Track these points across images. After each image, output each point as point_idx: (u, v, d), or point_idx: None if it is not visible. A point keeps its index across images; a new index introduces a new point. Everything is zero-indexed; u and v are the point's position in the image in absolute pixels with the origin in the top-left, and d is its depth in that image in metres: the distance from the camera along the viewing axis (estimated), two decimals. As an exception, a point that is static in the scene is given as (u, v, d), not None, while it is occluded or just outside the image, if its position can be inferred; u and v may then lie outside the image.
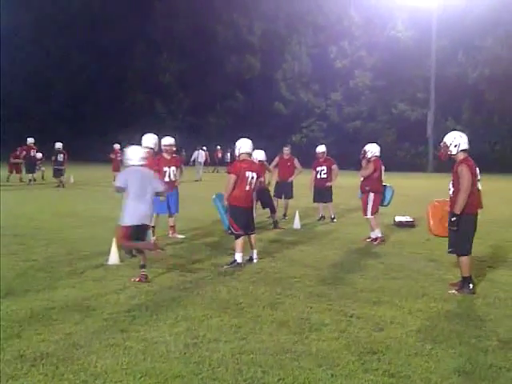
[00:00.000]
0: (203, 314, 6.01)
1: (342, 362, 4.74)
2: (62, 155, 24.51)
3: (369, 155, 11.17)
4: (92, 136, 51.99)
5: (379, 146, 11.45)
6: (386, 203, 11.47)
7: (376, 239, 10.87)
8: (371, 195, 10.90)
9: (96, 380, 4.35)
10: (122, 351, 4.94)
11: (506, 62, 41.86)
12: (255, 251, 8.98)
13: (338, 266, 8.67)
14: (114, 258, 8.53)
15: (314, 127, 51.19)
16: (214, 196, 9.53)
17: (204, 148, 36.53)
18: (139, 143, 9.73)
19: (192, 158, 33.12)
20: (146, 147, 9.48)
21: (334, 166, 14.14)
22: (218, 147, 41.17)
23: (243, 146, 8.83)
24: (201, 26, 54.31)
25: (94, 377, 4.40)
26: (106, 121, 55.49)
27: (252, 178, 8.67)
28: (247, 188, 8.62)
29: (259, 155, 12.34)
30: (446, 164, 9.68)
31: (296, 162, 14.15)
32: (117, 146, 27.63)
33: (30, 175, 25.15)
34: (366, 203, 10.98)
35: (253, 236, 8.96)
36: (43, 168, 27.07)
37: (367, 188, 10.98)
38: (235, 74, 53.83)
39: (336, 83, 50.66)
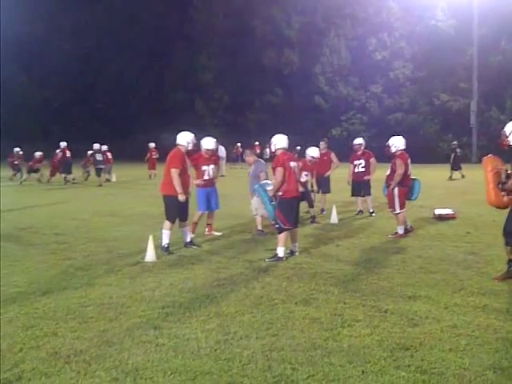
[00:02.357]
0: (236, 310, 6.02)
1: (374, 358, 4.67)
2: (100, 155, 25.00)
3: (393, 150, 10.81)
4: (134, 135, 52.79)
5: (405, 138, 11.09)
6: (413, 197, 11.21)
7: (398, 234, 10.64)
8: (396, 190, 10.58)
9: (127, 377, 4.39)
10: (153, 348, 4.98)
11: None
12: (297, 245, 9.10)
13: (374, 260, 8.55)
14: (150, 255, 8.64)
15: (355, 120, 50.64)
16: (256, 186, 9.59)
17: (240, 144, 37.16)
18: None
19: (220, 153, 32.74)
20: (179, 145, 9.50)
21: (372, 159, 13.93)
22: (256, 143, 41.10)
23: (279, 141, 8.96)
24: (239, 23, 54.44)
25: (125, 374, 4.45)
26: (148, 120, 56.31)
27: (295, 167, 8.85)
28: (294, 178, 8.76)
29: (313, 152, 12.32)
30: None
31: (333, 156, 14.04)
32: (152, 145, 28.06)
33: (65, 175, 25.86)
34: (392, 198, 10.67)
35: (296, 229, 9.07)
36: None
37: (392, 182, 10.63)
38: (273, 69, 53.75)
39: (376, 75, 49.99)
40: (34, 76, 56.10)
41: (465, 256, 8.80)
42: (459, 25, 45.80)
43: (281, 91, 53.92)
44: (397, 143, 10.85)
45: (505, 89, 43.42)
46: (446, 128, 45.88)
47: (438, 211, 13.09)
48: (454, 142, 28.44)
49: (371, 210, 13.65)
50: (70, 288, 7.05)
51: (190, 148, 9.65)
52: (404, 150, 10.85)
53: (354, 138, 14.97)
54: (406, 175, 10.65)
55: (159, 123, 55.37)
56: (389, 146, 10.90)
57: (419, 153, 29.56)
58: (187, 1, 56.99)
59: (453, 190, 20.10)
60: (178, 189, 9.15)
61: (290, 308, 6.09)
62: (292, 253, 8.95)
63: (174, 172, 9.19)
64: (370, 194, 13.81)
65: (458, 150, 27.02)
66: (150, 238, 8.79)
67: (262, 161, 11.75)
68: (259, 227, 11.03)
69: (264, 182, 9.74)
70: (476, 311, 5.91)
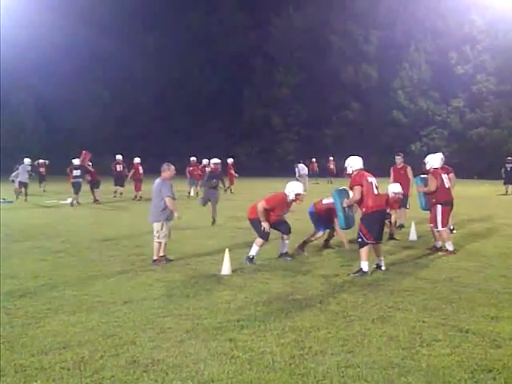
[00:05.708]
0: (311, 325, 5.98)
1: (454, 379, 4.52)
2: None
3: (427, 167, 11.07)
4: (213, 151, 53.63)
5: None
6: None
7: (449, 251, 10.53)
8: (438, 207, 10.61)
9: (202, 388, 4.45)
10: (228, 360, 5.02)
11: None
12: (382, 259, 9.07)
13: (454, 279, 8.29)
14: (226, 268, 8.72)
15: (435, 135, 49.58)
16: (333, 191, 9.61)
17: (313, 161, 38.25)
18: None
19: (298, 173, 32.78)
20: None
21: (452, 175, 13.50)
22: (331, 158, 40.84)
23: (355, 163, 9.05)
24: (316, 38, 54.59)
25: (201, 384, 4.50)
26: (226, 136, 57.12)
27: (373, 182, 8.85)
28: (376, 192, 8.81)
29: (395, 188, 11.60)
30: None
31: (409, 170, 13.75)
32: (193, 159, 28.13)
33: (117, 188, 25.85)
34: (434, 216, 10.69)
35: (380, 244, 9.08)
36: None
37: (433, 200, 10.73)
38: (351, 84, 53.47)
39: (457, 89, 48.78)
40: (116, 93, 58.22)
41: (553, 276, 8.39)
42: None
43: (358, 106, 53.50)
44: (431, 161, 11.08)
45: None
46: (532, 143, 44.10)
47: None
48: (509, 158, 27.98)
49: (452, 227, 13.22)
50: (148, 298, 7.22)
51: (290, 198, 9.67)
52: (438, 167, 10.97)
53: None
54: (444, 192, 10.68)
55: (238, 138, 56.20)
56: (424, 164, 11.29)
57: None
58: (265, 17, 57.72)
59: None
60: (262, 218, 9.49)
61: (367, 325, 5.99)
62: (378, 267, 8.97)
63: (261, 206, 9.52)
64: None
65: (506, 165, 27.04)
66: (226, 251, 8.89)
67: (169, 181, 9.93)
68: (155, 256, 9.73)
69: (342, 188, 9.76)
70: None
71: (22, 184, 25.16)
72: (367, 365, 4.86)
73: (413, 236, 12.41)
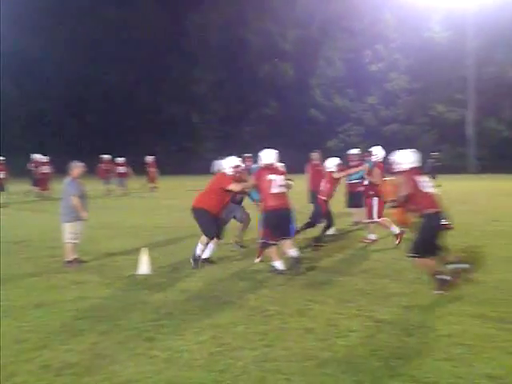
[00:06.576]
0: (229, 321, 5.97)
1: (368, 367, 4.63)
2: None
3: (373, 159, 11.40)
4: (131, 148, 52.75)
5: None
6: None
7: (370, 240, 11.21)
8: (375, 200, 11.04)
9: (118, 389, 4.34)
10: (146, 360, 4.93)
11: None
12: (295, 250, 8.54)
13: (370, 271, 8.51)
14: (143, 268, 8.56)
15: (351, 132, 50.82)
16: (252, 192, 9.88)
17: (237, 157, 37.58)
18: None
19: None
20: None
21: (368, 170, 13.90)
22: (249, 155, 40.94)
23: (264, 157, 8.82)
24: (233, 36, 54.70)
25: (117, 386, 4.40)
26: (144, 133, 56.26)
27: (278, 180, 8.51)
28: (275, 191, 8.43)
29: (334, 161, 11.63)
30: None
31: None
32: (105, 157, 27.83)
33: (34, 188, 25.06)
34: (371, 207, 11.16)
35: (287, 240, 8.59)
36: None
37: (371, 193, 11.14)
38: (269, 81, 53.94)
39: (371, 87, 50.26)
40: (26, 89, 56.07)
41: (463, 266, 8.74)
42: (455, 37, 46.05)
43: (276, 103, 54.06)
44: (379, 153, 11.50)
45: (503, 99, 43.61)
46: (443, 139, 46.06)
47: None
48: (435, 153, 29.21)
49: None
50: (62, 301, 6.98)
51: (230, 173, 9.17)
52: (381, 161, 11.31)
53: (349, 150, 14.90)
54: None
55: (156, 135, 55.47)
56: (371, 154, 11.65)
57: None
58: (182, 14, 57.24)
59: (447, 201, 20.05)
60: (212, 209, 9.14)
61: (285, 319, 6.04)
62: (295, 259, 8.44)
63: (205, 194, 9.32)
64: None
65: (429, 160, 28.33)
66: (143, 250, 8.71)
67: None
68: (67, 258, 9.35)
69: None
70: (472, 320, 5.87)
71: None
72: (285, 358, 4.90)
73: (330, 230, 12.62)
